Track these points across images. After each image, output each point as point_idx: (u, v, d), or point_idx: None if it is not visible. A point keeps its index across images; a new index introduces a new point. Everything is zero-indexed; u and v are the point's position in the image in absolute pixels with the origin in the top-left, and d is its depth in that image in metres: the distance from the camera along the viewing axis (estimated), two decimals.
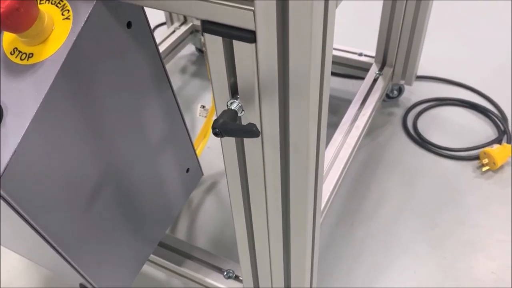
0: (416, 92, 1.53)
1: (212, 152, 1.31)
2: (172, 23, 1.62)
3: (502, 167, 1.27)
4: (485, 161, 1.26)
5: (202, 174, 0.88)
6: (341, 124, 1.21)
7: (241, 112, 0.53)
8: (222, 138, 0.57)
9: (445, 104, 1.49)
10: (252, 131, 0.48)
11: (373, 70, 1.38)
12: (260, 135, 0.56)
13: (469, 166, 1.30)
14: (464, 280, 1.06)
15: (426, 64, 1.57)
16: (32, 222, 0.55)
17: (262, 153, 0.58)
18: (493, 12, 1.86)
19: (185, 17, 1.62)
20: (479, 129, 1.40)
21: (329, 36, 0.48)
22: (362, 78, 1.37)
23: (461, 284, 1.05)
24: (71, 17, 0.53)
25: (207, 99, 1.57)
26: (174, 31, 1.59)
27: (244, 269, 0.83)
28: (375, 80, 1.35)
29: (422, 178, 1.28)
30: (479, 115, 1.44)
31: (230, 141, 0.58)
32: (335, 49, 1.45)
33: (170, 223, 0.83)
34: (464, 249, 1.11)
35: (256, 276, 0.83)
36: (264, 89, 0.50)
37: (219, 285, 0.91)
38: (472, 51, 1.69)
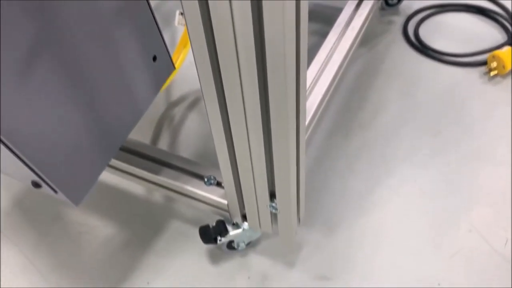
0: None
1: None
2: None
3: (511, 71, 1.16)
4: (494, 65, 1.15)
5: (174, 68, 0.77)
6: (334, 26, 1.09)
7: None
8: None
9: (449, 10, 1.35)
10: None
11: None
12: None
13: (475, 72, 1.19)
14: (469, 188, 0.97)
15: None
16: None
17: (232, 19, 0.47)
18: None
19: None
20: (486, 34, 1.28)
21: None
22: None
23: (465, 192, 0.97)
24: None
25: None
26: None
27: (225, 174, 0.74)
28: None
29: (424, 86, 1.17)
30: (486, 19, 1.31)
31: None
32: None
33: (136, 119, 0.72)
34: (468, 157, 1.03)
35: (238, 181, 0.74)
36: None
37: (200, 192, 0.82)
38: None
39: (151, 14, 0.67)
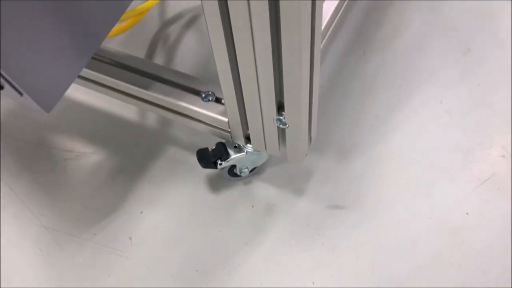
0: None
1: None
2: None
3: None
4: None
5: None
6: None
7: None
8: None
9: None
10: None
11: None
12: None
13: None
14: (502, 111, 0.86)
15: None
16: None
17: None
18: None
19: None
20: None
21: None
22: None
23: (498, 114, 0.86)
24: None
25: None
26: None
27: (225, 85, 0.63)
28: None
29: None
30: None
31: None
32: None
33: (118, 12, 0.61)
34: (502, 75, 0.90)
35: (240, 92, 0.63)
36: None
37: (196, 109, 0.72)
38: None
39: None
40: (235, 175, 0.82)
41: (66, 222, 0.82)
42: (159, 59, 1.01)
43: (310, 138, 0.71)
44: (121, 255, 0.79)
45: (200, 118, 0.73)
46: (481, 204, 0.78)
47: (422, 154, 0.83)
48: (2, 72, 0.49)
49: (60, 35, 0.54)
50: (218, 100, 0.73)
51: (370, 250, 0.76)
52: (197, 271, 0.77)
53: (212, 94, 0.73)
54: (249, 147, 0.75)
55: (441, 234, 0.76)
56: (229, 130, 0.72)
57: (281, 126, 0.64)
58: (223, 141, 0.77)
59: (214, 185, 0.84)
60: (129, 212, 0.82)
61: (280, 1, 0.46)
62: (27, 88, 0.51)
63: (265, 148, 0.73)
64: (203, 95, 0.73)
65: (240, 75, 0.59)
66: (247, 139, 0.74)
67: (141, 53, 1.02)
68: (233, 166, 0.80)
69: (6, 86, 0.51)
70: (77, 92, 0.97)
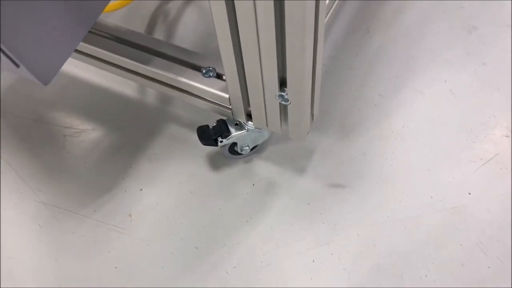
0: None
1: None
2: None
3: None
4: None
5: None
6: None
7: None
8: None
9: None
10: None
11: None
12: None
13: None
14: (506, 88, 0.85)
15: None
16: None
17: None
18: None
19: None
20: None
21: None
22: None
23: (503, 94, 0.85)
24: None
25: None
26: None
27: (227, 64, 0.61)
28: None
29: None
30: None
31: None
32: None
33: None
34: (508, 54, 0.89)
35: (241, 67, 0.62)
36: None
37: (197, 85, 0.70)
38: None
39: None
40: (236, 153, 0.81)
41: (65, 199, 0.82)
42: (159, 35, 0.99)
43: (312, 116, 0.70)
44: (120, 232, 0.79)
45: (201, 94, 0.72)
46: (484, 184, 0.77)
47: (425, 133, 0.82)
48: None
49: (56, 6, 0.53)
50: (219, 76, 0.71)
51: (370, 229, 0.75)
52: (197, 248, 0.76)
53: (213, 69, 0.71)
54: (250, 125, 0.74)
55: (443, 213, 0.76)
56: (230, 106, 0.71)
57: (283, 102, 0.63)
58: (224, 118, 0.76)
59: (215, 163, 0.83)
60: (129, 189, 0.82)
61: None
62: (23, 59, 0.50)
63: (267, 126, 0.71)
64: (204, 71, 0.71)
65: (242, 49, 0.58)
66: (248, 116, 0.72)
67: (140, 29, 1.00)
68: (233, 144, 0.79)
69: (3, 57, 0.50)
70: (76, 69, 0.95)
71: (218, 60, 0.65)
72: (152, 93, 0.92)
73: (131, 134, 0.88)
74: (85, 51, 0.77)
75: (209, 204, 0.80)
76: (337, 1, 0.75)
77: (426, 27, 0.94)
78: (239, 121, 0.75)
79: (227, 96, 0.69)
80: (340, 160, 0.81)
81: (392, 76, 0.89)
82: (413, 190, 0.78)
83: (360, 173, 0.80)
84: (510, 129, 0.81)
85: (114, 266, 0.76)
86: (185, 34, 0.98)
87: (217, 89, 0.70)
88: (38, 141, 0.88)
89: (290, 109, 0.65)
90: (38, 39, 0.52)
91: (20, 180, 0.84)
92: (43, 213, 0.81)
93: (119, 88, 0.93)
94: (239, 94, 0.67)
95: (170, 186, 0.82)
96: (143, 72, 0.75)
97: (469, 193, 0.76)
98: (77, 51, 0.78)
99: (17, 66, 0.51)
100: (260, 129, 0.75)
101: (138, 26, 1.00)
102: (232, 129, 0.75)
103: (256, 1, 0.49)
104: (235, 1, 0.51)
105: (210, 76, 0.71)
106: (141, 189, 0.82)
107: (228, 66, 0.62)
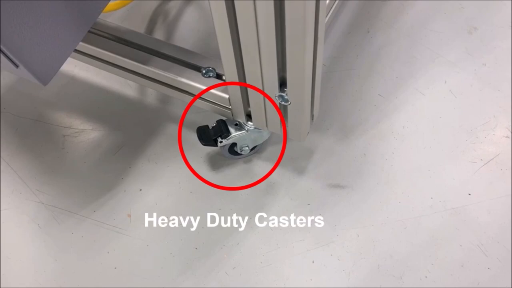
0: None
1: None
2: None
3: None
4: None
5: None
6: None
7: None
8: None
9: None
10: None
11: None
12: None
13: None
14: (506, 89, 0.85)
15: None
16: None
17: None
18: None
19: None
20: None
21: None
22: None
23: (503, 95, 0.85)
24: None
25: None
26: None
27: (227, 64, 0.61)
28: None
29: None
30: None
31: None
32: None
33: None
34: (508, 55, 0.89)
35: (241, 67, 0.62)
36: None
37: (197, 85, 0.70)
38: None
39: None
40: (236, 153, 0.81)
41: (65, 199, 0.82)
42: (159, 35, 0.99)
43: (312, 116, 0.70)
44: (120, 232, 0.79)
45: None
46: (484, 185, 0.77)
47: (425, 134, 0.82)
48: None
49: (56, 6, 0.53)
50: (219, 76, 0.71)
51: (370, 229, 0.75)
52: (196, 248, 0.76)
53: (212, 70, 0.71)
54: (250, 125, 0.74)
55: (443, 214, 0.75)
56: (230, 107, 0.71)
57: (283, 103, 0.63)
58: (223, 118, 0.76)
59: (214, 163, 0.83)
60: (128, 189, 0.82)
61: None
62: (22, 60, 0.50)
63: (266, 126, 0.71)
64: (204, 71, 0.71)
65: (242, 49, 0.58)
66: (248, 117, 0.72)
67: (140, 29, 1.00)
68: (233, 144, 0.79)
69: (3, 58, 0.50)
70: (76, 69, 0.95)
71: (218, 60, 0.65)
72: (152, 93, 0.92)
73: (131, 134, 0.88)
74: (85, 51, 0.76)
75: (209, 205, 0.80)
76: (337, 1, 0.75)
77: (426, 27, 0.94)
78: (239, 122, 0.75)
79: (227, 96, 0.69)
80: (340, 160, 0.81)
81: (393, 77, 0.88)
82: (413, 191, 0.77)
83: (360, 174, 0.80)
84: (510, 130, 0.81)
85: (114, 266, 0.76)
86: (185, 34, 0.98)
87: (217, 90, 0.70)
88: (38, 141, 0.88)
89: (290, 109, 0.64)
90: (38, 39, 0.52)
91: (20, 180, 0.84)
92: (43, 213, 0.81)
93: (119, 88, 0.93)
94: (239, 94, 0.67)
95: (170, 186, 0.82)
96: (143, 72, 0.74)
97: (469, 194, 0.76)
98: (77, 51, 0.78)
99: (16, 66, 0.51)
100: (260, 129, 0.75)
101: (138, 26, 1.00)
102: (232, 130, 0.75)
103: (256, 1, 0.49)
104: (235, 1, 0.51)
105: (210, 76, 0.71)
106: (140, 189, 0.82)
107: (228, 66, 0.62)
